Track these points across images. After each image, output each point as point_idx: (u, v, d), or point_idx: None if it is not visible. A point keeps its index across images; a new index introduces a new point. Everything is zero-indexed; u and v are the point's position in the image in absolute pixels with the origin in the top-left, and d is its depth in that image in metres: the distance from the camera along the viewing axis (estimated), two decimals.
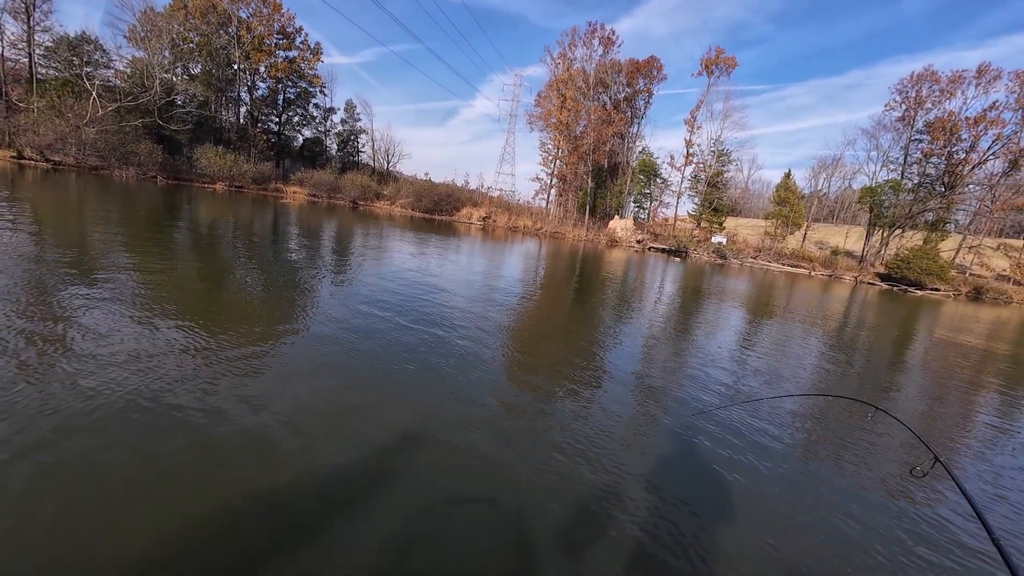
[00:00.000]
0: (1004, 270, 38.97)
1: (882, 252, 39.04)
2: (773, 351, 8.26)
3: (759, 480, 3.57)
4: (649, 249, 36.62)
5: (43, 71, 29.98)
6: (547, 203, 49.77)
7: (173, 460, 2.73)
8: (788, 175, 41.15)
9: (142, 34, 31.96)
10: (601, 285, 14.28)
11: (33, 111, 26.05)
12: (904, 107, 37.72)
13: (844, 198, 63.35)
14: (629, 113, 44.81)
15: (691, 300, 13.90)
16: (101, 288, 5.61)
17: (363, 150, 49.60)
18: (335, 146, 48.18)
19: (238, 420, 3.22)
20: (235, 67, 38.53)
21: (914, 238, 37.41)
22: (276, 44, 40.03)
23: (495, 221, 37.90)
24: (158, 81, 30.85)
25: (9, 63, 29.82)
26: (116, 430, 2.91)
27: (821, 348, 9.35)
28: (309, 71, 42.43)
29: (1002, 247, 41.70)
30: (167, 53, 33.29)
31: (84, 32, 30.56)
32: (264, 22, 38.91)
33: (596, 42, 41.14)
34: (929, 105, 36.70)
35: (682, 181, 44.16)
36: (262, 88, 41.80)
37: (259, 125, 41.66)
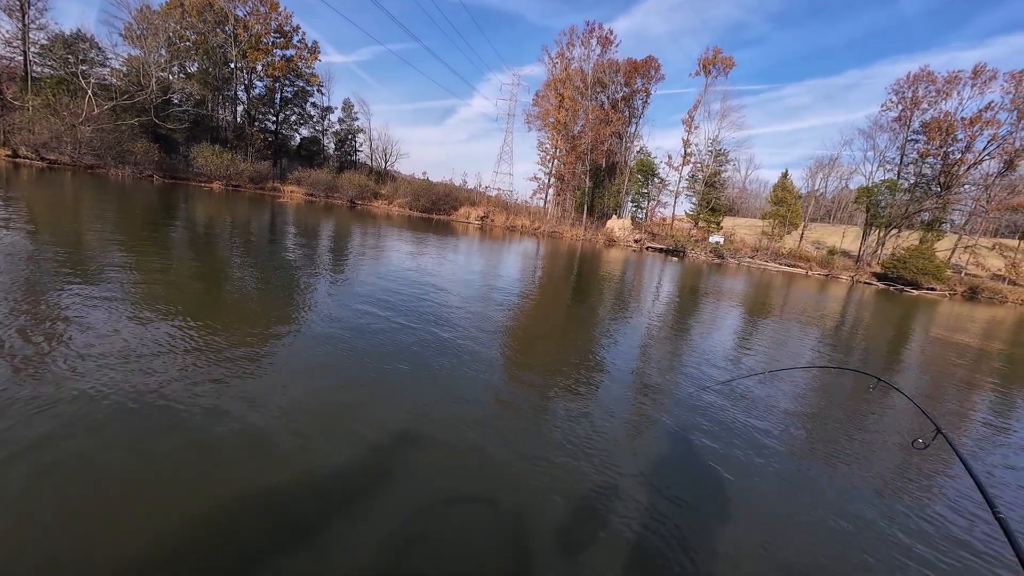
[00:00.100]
0: (999, 270, 39.21)
1: (878, 252, 39.20)
2: (770, 349, 8.28)
3: (758, 475, 3.58)
4: (647, 249, 36.67)
5: (38, 69, 29.75)
6: (545, 203, 49.78)
7: (170, 460, 2.72)
8: (785, 175, 41.26)
9: (138, 32, 31.78)
10: (599, 284, 14.30)
11: (28, 109, 25.88)
12: (900, 107, 37.87)
13: (841, 198, 63.63)
14: (627, 113, 44.85)
15: (688, 299, 13.93)
16: (96, 288, 5.59)
17: (361, 149, 49.46)
18: (332, 145, 48.01)
19: (235, 420, 3.21)
20: (232, 66, 38.37)
21: (910, 238, 37.59)
22: (273, 42, 39.86)
23: (493, 220, 37.87)
24: (154, 79, 30.70)
25: (4, 61, 29.56)
26: (113, 430, 2.90)
27: (818, 346, 9.39)
28: (306, 70, 42.28)
29: (997, 247, 41.93)
30: (163, 51, 33.12)
31: (79, 30, 30.36)
32: (261, 20, 38.75)
33: (594, 41, 41.18)
34: (925, 105, 36.87)
35: (680, 181, 44.23)
36: (259, 87, 41.66)
37: (256, 124, 41.49)
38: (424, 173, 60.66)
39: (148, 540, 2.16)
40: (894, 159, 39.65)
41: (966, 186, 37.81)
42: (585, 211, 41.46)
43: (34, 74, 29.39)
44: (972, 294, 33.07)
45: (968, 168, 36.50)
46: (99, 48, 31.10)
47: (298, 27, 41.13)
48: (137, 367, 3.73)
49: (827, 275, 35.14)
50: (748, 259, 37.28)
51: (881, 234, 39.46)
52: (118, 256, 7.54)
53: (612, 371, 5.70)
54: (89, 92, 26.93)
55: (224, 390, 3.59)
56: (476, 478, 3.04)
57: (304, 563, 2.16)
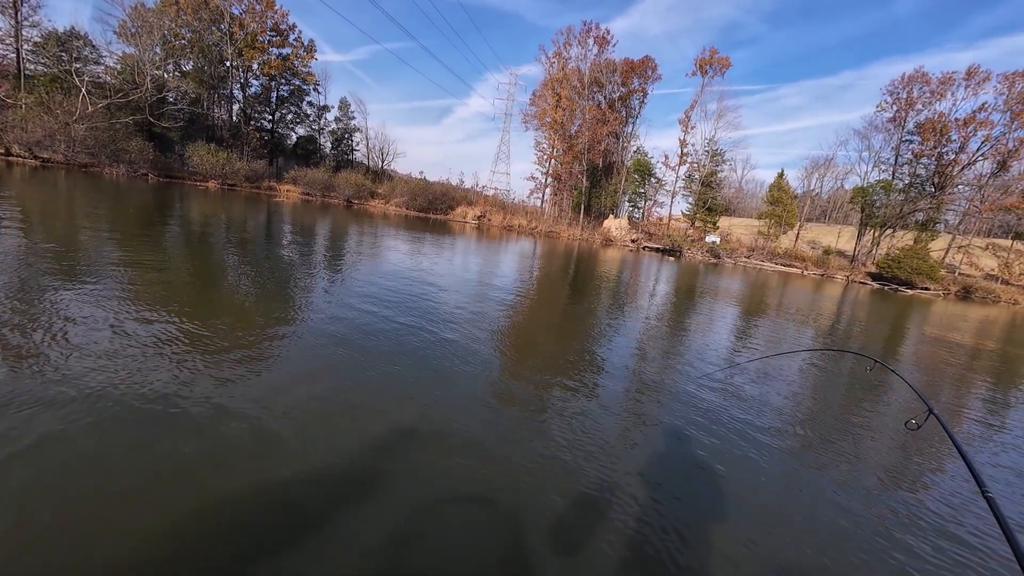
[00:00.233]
0: (992, 269, 39.57)
1: (873, 252, 39.46)
2: (766, 348, 8.33)
3: (754, 468, 3.61)
4: (643, 248, 36.77)
5: (31, 67, 29.49)
6: (542, 202, 49.82)
7: (170, 460, 2.72)
8: (781, 175, 41.48)
9: (133, 30, 31.55)
10: (596, 284, 14.33)
11: (21, 107, 25.63)
12: (895, 108, 38.14)
13: (836, 198, 63.98)
14: (624, 112, 44.97)
15: (685, 299, 13.98)
16: (93, 288, 5.55)
17: (357, 148, 49.37)
18: (329, 144, 47.88)
19: (235, 420, 3.21)
20: (228, 64, 38.18)
21: (905, 238, 37.87)
22: (269, 41, 39.71)
23: (490, 220, 37.87)
24: (149, 78, 30.48)
25: None
26: (113, 430, 2.89)
27: (813, 345, 9.44)
28: (303, 68, 42.12)
29: (990, 247, 42.32)
30: (158, 49, 32.89)
31: (73, 27, 30.11)
32: (257, 19, 38.59)
33: (591, 41, 41.23)
34: (920, 106, 37.15)
35: (676, 181, 44.38)
36: (255, 85, 41.48)
37: (252, 123, 41.32)
38: (421, 172, 60.60)
39: (148, 540, 2.15)
40: (889, 159, 39.97)
41: (960, 186, 38.14)
42: (582, 211, 41.52)
43: (27, 72, 29.13)
44: (965, 294, 33.36)
45: (962, 169, 36.80)
46: (93, 46, 30.89)
47: (294, 25, 41.02)
48: (137, 367, 3.71)
49: (822, 275, 35.34)
50: (744, 259, 37.44)
51: (876, 234, 39.73)
52: (112, 256, 7.50)
53: (609, 369, 5.72)
54: (83, 90, 26.72)
55: (224, 390, 3.58)
56: (476, 477, 3.05)
57: (304, 563, 2.16)
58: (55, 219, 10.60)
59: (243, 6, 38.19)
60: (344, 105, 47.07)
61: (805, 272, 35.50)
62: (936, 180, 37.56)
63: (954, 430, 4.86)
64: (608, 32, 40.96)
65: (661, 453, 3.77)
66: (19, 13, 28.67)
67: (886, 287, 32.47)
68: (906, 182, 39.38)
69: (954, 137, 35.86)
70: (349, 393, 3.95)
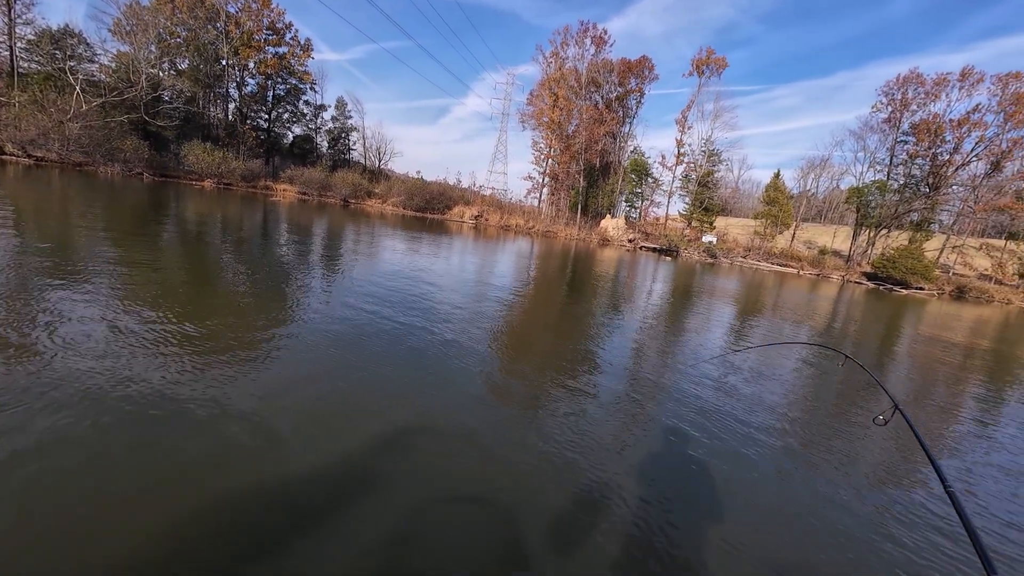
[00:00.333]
0: (986, 269, 39.92)
1: (868, 252, 39.72)
2: (762, 345, 8.37)
3: (748, 466, 3.64)
4: (640, 248, 36.86)
5: (25, 65, 29.25)
6: (539, 202, 49.83)
7: (170, 460, 2.72)
8: (777, 175, 41.70)
9: (127, 28, 31.34)
10: (593, 283, 14.36)
11: (15, 106, 25.41)
12: (890, 109, 38.43)
13: (832, 198, 64.35)
14: (621, 112, 45.06)
15: (681, 298, 14.03)
16: (90, 288, 5.53)
17: (354, 148, 49.19)
18: (326, 143, 47.69)
19: (235, 420, 3.21)
20: (223, 63, 37.96)
21: (899, 238, 38.13)
22: (265, 40, 39.48)
23: (487, 220, 37.86)
24: (144, 76, 30.30)
25: None
26: (113, 430, 2.89)
27: (809, 343, 9.49)
28: (299, 67, 41.90)
29: (984, 247, 42.68)
30: (153, 48, 32.69)
31: (67, 25, 29.89)
32: (253, 17, 38.37)
33: (588, 41, 41.29)
34: (914, 107, 37.46)
35: (673, 181, 44.54)
36: (251, 84, 41.21)
37: (248, 122, 41.09)
38: (418, 172, 60.43)
39: (148, 540, 2.15)
40: (884, 160, 40.25)
41: (954, 187, 38.47)
42: (579, 211, 41.60)
43: (21, 70, 28.89)
44: (959, 293, 33.61)
45: (956, 169, 37.12)
46: (87, 44, 30.66)
47: (291, 24, 40.79)
48: (136, 367, 3.70)
49: (818, 275, 35.53)
50: (741, 258, 37.60)
51: (871, 234, 40.00)
52: (109, 255, 7.46)
53: (605, 368, 5.75)
54: (77, 88, 26.53)
55: (224, 390, 3.58)
56: (476, 476, 3.06)
57: (304, 563, 2.17)
58: (49, 218, 10.53)
59: (239, 4, 37.98)
60: (341, 104, 46.95)
61: (801, 272, 35.68)
62: (931, 180, 37.87)
63: (941, 427, 4.93)
64: (605, 32, 41.08)
65: (655, 451, 3.80)
66: (12, 11, 28.45)
67: (881, 287, 32.67)
68: (901, 182, 39.68)
69: (948, 138, 36.22)
70: (348, 393, 3.96)
